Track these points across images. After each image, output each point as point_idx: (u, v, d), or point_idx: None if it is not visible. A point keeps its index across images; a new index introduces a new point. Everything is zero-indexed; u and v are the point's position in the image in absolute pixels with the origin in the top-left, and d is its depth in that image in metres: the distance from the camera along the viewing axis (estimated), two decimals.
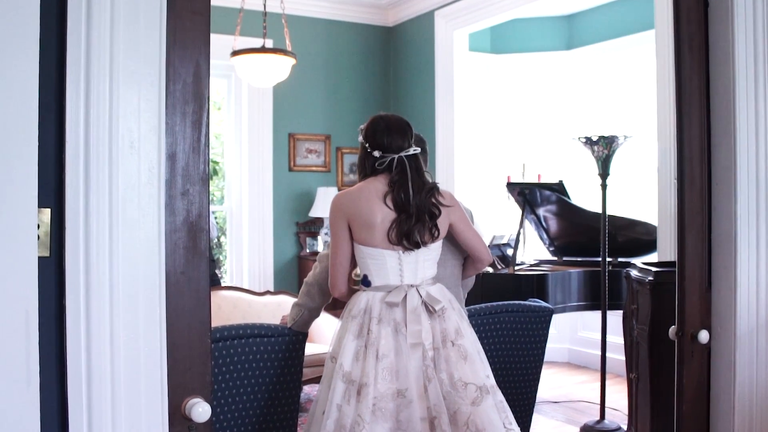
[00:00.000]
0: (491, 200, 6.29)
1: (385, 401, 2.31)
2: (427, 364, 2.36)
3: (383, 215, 2.43)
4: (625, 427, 4.00)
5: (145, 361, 1.37)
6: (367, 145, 2.51)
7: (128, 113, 1.35)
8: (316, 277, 2.75)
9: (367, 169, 2.53)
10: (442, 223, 2.51)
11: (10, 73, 1.23)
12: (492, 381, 2.44)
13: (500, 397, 2.43)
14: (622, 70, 5.92)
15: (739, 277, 2.18)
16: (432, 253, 2.50)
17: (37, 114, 1.27)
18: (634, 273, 3.37)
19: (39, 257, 1.29)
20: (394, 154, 2.48)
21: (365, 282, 2.49)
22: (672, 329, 2.24)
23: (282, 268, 6.35)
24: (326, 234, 6.23)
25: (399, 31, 6.68)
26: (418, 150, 2.52)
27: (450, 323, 2.44)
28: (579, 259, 5.22)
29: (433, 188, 2.50)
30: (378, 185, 2.47)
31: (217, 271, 6.36)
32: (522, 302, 3.50)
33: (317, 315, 2.85)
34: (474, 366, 2.40)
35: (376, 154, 2.48)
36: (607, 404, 4.38)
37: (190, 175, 1.44)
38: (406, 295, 2.42)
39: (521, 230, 4.94)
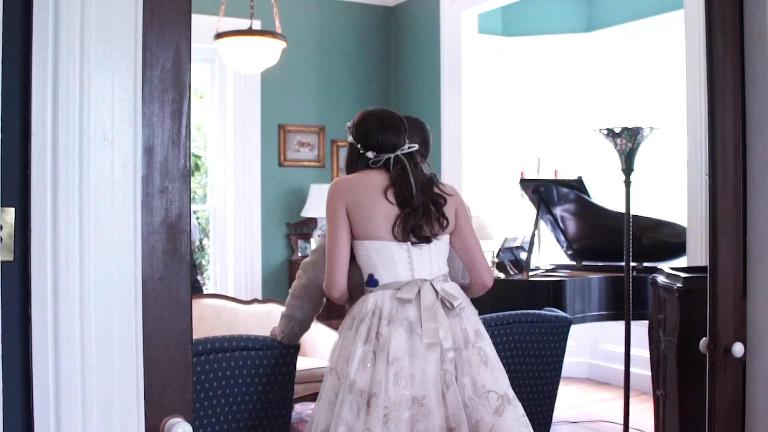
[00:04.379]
0: (503, 199, 6.29)
1: (398, 410, 2.26)
2: (446, 368, 2.33)
3: (385, 210, 2.45)
4: None
5: (119, 376, 1.37)
6: (358, 145, 2.54)
7: (100, 102, 1.35)
8: (304, 289, 2.73)
9: (359, 167, 2.56)
10: (450, 212, 2.53)
11: None
12: (512, 393, 2.44)
13: (521, 410, 2.44)
14: (648, 55, 5.93)
15: None
16: (443, 245, 2.52)
17: None
18: (661, 279, 3.37)
19: (2, 261, 1.29)
20: (389, 153, 2.51)
21: (371, 282, 2.46)
22: (703, 341, 2.24)
23: (271, 274, 6.35)
24: (320, 236, 6.23)
25: (401, 12, 6.68)
26: (415, 147, 2.55)
27: (469, 323, 2.45)
28: (600, 263, 5.21)
29: (432, 178, 2.54)
30: (377, 178, 2.49)
31: (199, 278, 6.37)
32: (537, 312, 3.50)
33: (308, 327, 2.85)
34: (494, 372, 2.41)
35: (370, 155, 2.51)
36: (631, 424, 4.39)
37: (169, 170, 1.44)
38: (419, 291, 2.40)
39: (536, 232, 4.94)
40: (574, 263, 5.37)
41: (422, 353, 2.32)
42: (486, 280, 2.60)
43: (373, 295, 2.44)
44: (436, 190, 2.52)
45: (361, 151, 2.53)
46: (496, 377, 2.40)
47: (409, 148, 2.53)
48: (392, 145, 2.52)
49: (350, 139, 2.57)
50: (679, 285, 3.10)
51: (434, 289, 2.42)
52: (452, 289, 2.48)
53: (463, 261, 2.63)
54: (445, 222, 2.49)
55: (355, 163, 2.56)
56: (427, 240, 2.44)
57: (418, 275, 2.44)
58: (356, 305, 2.50)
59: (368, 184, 2.48)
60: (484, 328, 2.53)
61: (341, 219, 2.47)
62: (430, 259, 2.47)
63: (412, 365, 2.31)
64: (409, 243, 2.44)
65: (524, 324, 3.33)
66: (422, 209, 2.44)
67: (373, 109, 2.62)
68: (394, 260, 2.43)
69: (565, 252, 5.41)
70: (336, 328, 5.04)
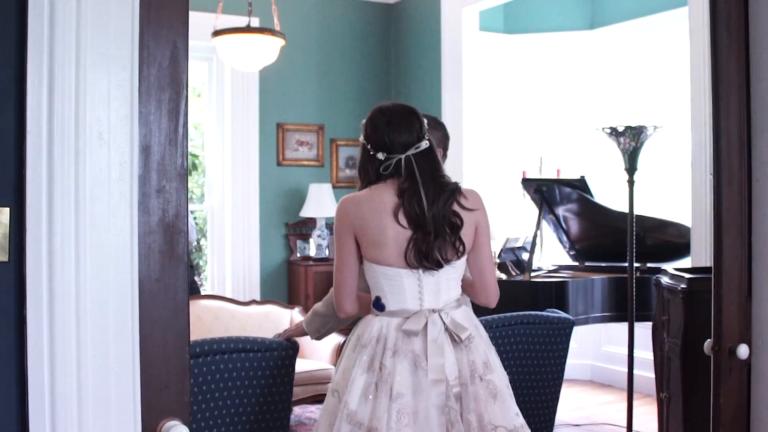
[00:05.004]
0: (504, 198, 6.29)
1: None
2: (450, 405, 2.24)
3: (396, 234, 2.29)
4: None
5: (116, 378, 1.37)
6: (368, 146, 2.37)
7: (97, 100, 1.35)
8: None
9: (371, 174, 2.38)
10: (467, 234, 2.35)
11: None
12: (521, 420, 2.34)
13: None
14: (652, 53, 5.93)
15: None
16: (457, 271, 2.38)
17: None
18: (664, 280, 3.37)
19: None
20: (399, 154, 2.33)
21: (378, 305, 2.36)
22: (707, 343, 2.24)
23: (269, 275, 6.35)
24: (319, 236, 6.23)
25: (401, 9, 6.68)
26: (427, 145, 2.37)
27: (478, 354, 2.33)
28: (603, 264, 5.21)
29: (454, 190, 2.34)
30: (386, 196, 2.32)
31: (196, 278, 6.37)
32: (539, 313, 3.50)
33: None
34: (504, 405, 2.30)
35: (380, 156, 2.34)
36: (634, 427, 4.39)
37: (166, 170, 1.44)
38: (426, 323, 2.29)
39: (538, 232, 4.94)
40: (576, 264, 5.37)
41: (426, 389, 2.23)
42: (491, 302, 2.49)
43: (379, 320, 2.34)
44: (455, 206, 2.32)
45: (371, 152, 2.36)
46: (505, 409, 2.30)
47: (424, 145, 2.35)
48: (402, 145, 2.34)
49: (361, 138, 2.42)
50: (683, 286, 3.10)
51: (442, 320, 2.31)
52: (462, 317, 2.36)
53: (473, 277, 2.48)
54: (461, 247, 2.32)
55: (365, 165, 2.40)
56: (439, 265, 2.29)
57: (427, 305, 2.32)
58: (361, 325, 2.41)
59: (378, 207, 2.30)
60: (495, 355, 2.41)
61: (348, 244, 2.35)
62: (440, 288, 2.34)
63: (415, 402, 2.23)
64: (420, 270, 2.30)
65: (526, 325, 3.33)
66: (436, 232, 2.27)
67: (386, 104, 2.45)
68: (403, 288, 2.32)
69: (568, 252, 5.41)
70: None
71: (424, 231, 2.27)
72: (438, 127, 2.81)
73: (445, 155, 2.83)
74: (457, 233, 2.31)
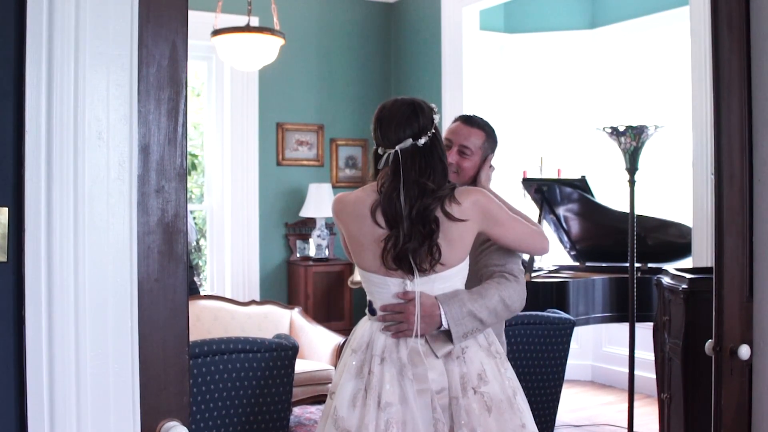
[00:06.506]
0: (505, 198, 6.28)
1: None
2: (437, 417, 2.18)
3: (373, 235, 2.24)
4: None
5: (115, 379, 1.37)
6: (374, 138, 2.34)
7: (96, 100, 1.35)
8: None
9: (373, 167, 2.34)
10: (450, 245, 2.24)
11: None
12: (530, 430, 2.27)
13: None
14: (653, 52, 5.93)
15: None
16: (452, 279, 2.28)
17: None
18: (666, 280, 3.37)
19: None
20: (391, 149, 2.25)
21: (370, 309, 2.33)
22: (708, 344, 2.24)
23: (269, 275, 6.35)
24: (319, 236, 6.23)
25: (401, 7, 6.68)
26: (422, 143, 2.24)
27: (472, 366, 2.25)
28: (604, 264, 5.21)
29: (441, 197, 2.22)
30: (368, 200, 2.27)
31: (195, 279, 6.36)
32: (540, 313, 3.51)
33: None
34: (501, 417, 2.22)
35: (380, 150, 2.29)
36: (635, 428, 4.39)
37: (165, 169, 1.44)
38: None
39: None
40: (577, 264, 5.37)
41: (413, 399, 2.18)
42: (538, 252, 2.51)
43: (370, 325, 2.31)
44: (438, 213, 2.21)
45: (375, 145, 2.32)
46: (503, 422, 2.21)
47: (421, 143, 2.24)
48: (391, 140, 2.25)
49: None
50: (684, 286, 3.10)
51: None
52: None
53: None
54: (437, 255, 2.20)
55: (373, 159, 2.35)
56: (410, 271, 2.21)
57: None
58: (359, 325, 2.40)
59: (361, 212, 2.26)
60: (494, 364, 2.30)
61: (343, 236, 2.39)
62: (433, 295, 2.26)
63: (404, 412, 2.18)
64: (406, 279, 2.24)
65: (526, 326, 3.33)
66: (410, 234, 2.18)
67: (396, 97, 2.37)
68: (390, 295, 2.27)
69: (569, 253, 5.41)
70: (335, 330, 5.06)
71: (398, 231, 2.19)
72: (493, 134, 2.74)
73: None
74: (432, 240, 2.20)
